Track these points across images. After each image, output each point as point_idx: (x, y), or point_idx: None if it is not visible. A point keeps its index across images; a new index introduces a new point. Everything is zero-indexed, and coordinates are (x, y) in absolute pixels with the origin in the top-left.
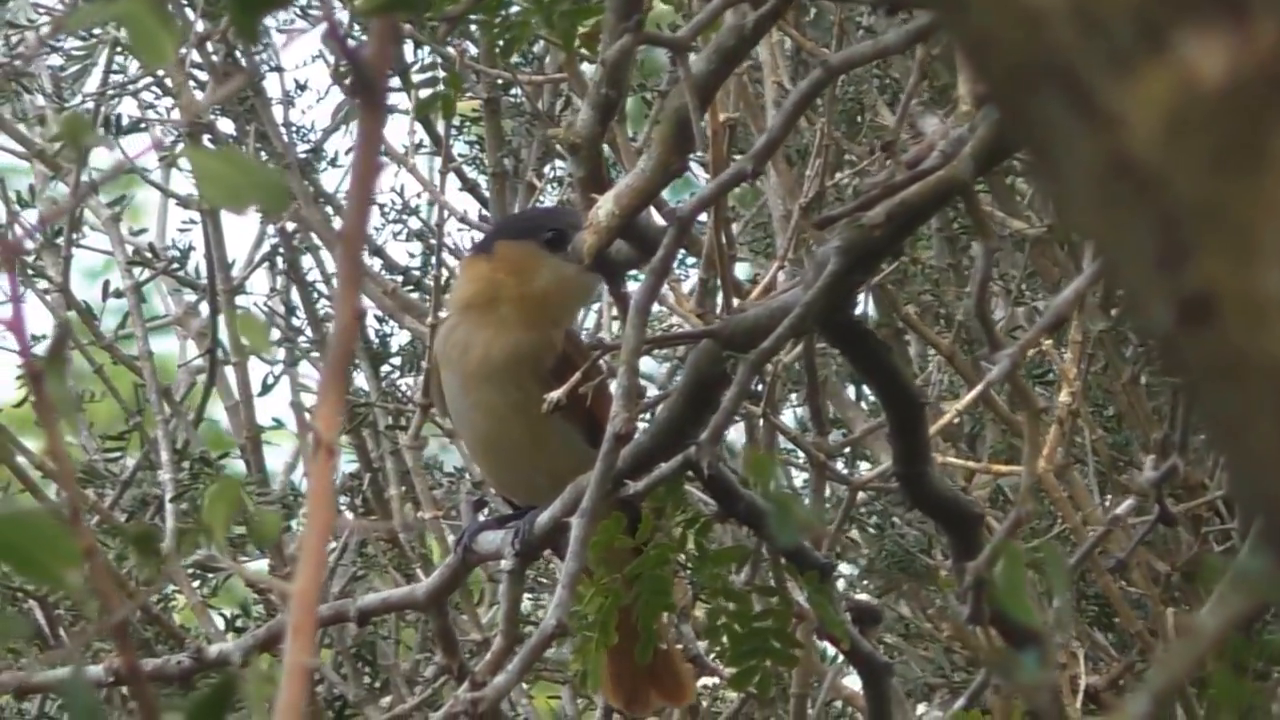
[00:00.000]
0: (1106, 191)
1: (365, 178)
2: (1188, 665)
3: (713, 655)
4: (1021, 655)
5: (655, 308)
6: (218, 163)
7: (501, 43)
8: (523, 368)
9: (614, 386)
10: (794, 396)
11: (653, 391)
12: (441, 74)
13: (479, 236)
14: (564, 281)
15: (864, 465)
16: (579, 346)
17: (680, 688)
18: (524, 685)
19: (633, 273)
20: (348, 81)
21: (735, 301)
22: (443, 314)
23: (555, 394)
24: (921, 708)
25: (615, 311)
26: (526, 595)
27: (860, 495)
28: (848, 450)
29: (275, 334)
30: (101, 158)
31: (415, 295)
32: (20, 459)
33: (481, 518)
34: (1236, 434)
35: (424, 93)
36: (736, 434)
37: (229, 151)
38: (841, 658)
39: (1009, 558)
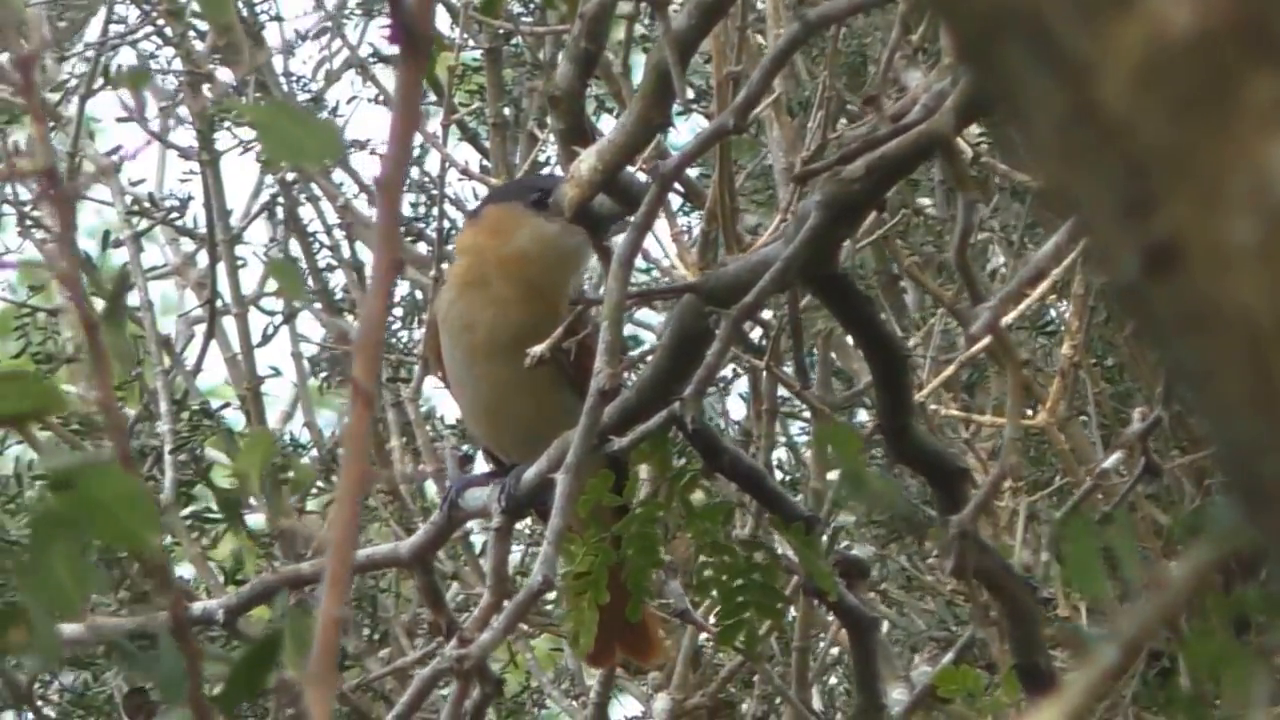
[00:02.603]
0: (1074, 140)
1: (406, 127)
2: (1158, 616)
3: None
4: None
5: (665, 263)
6: (277, 117)
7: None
8: (529, 344)
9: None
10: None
11: (650, 340)
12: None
13: (480, 187)
14: (544, 240)
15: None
16: (584, 315)
17: (648, 644)
18: (529, 640)
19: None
20: (388, 29)
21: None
22: (444, 266)
23: (538, 349)
24: (917, 659)
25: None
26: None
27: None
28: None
29: (273, 284)
30: (101, 108)
31: (417, 246)
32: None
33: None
34: (1204, 383)
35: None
36: (740, 389)
37: (286, 105)
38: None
39: (1079, 529)
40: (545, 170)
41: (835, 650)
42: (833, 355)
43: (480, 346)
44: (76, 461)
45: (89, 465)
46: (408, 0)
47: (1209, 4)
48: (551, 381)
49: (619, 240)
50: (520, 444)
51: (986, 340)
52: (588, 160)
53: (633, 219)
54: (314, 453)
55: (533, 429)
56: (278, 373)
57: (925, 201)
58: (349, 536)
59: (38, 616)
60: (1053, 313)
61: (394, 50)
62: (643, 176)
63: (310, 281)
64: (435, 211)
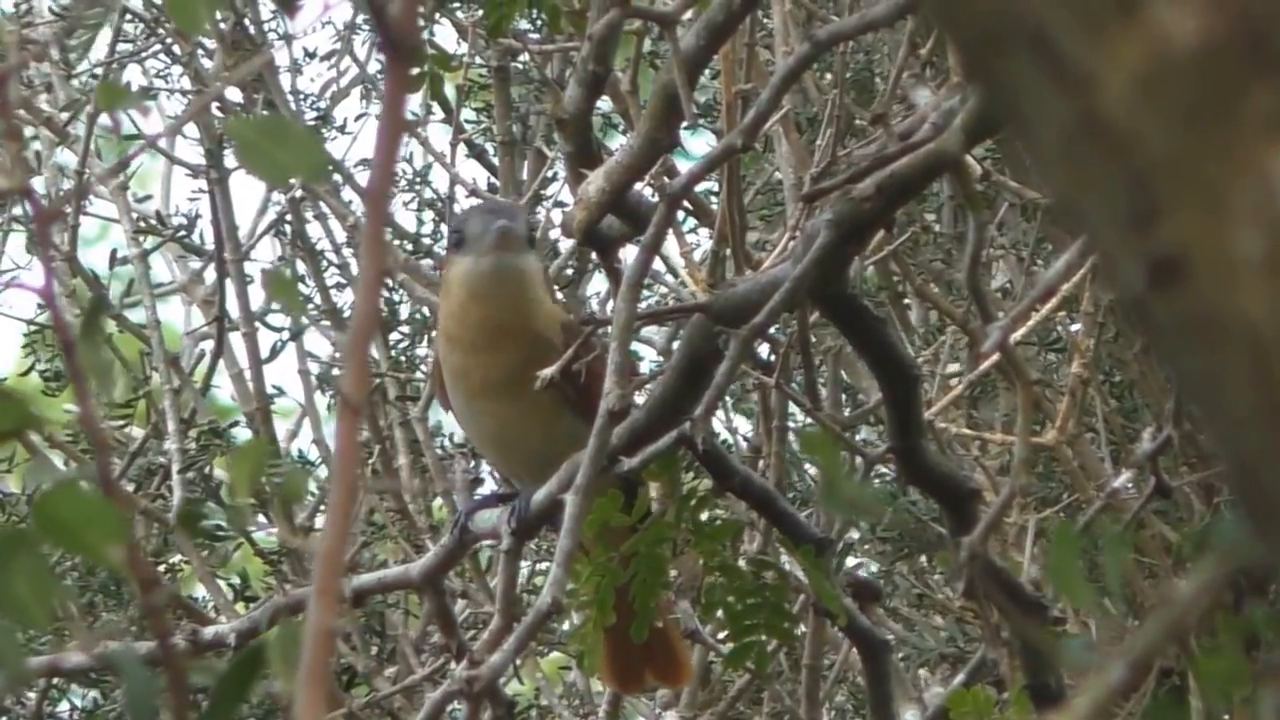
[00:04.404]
0: (1078, 153)
1: (391, 136)
2: (1165, 633)
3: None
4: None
5: (670, 280)
6: (257, 134)
7: (491, 21)
8: (522, 377)
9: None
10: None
11: (651, 356)
12: (429, 51)
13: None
14: (470, 278)
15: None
16: (578, 330)
17: (677, 668)
18: (537, 656)
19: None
20: (376, 40)
21: (747, 272)
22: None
23: (548, 371)
24: (924, 674)
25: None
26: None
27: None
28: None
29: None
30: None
31: (426, 263)
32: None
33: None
34: (1210, 394)
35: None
36: (751, 407)
37: (268, 121)
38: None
39: (1060, 539)
40: (554, 185)
41: (845, 666)
42: (841, 373)
43: (477, 390)
44: (53, 480)
45: (58, 483)
46: (393, 12)
47: (1211, 17)
48: (555, 409)
49: (628, 261)
50: (529, 470)
51: (995, 358)
52: (595, 182)
53: (641, 239)
54: (323, 470)
55: (540, 455)
56: (281, 392)
57: (929, 216)
58: (338, 546)
59: (2, 636)
60: (1060, 330)
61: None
62: (650, 194)
63: (318, 299)
64: (443, 228)
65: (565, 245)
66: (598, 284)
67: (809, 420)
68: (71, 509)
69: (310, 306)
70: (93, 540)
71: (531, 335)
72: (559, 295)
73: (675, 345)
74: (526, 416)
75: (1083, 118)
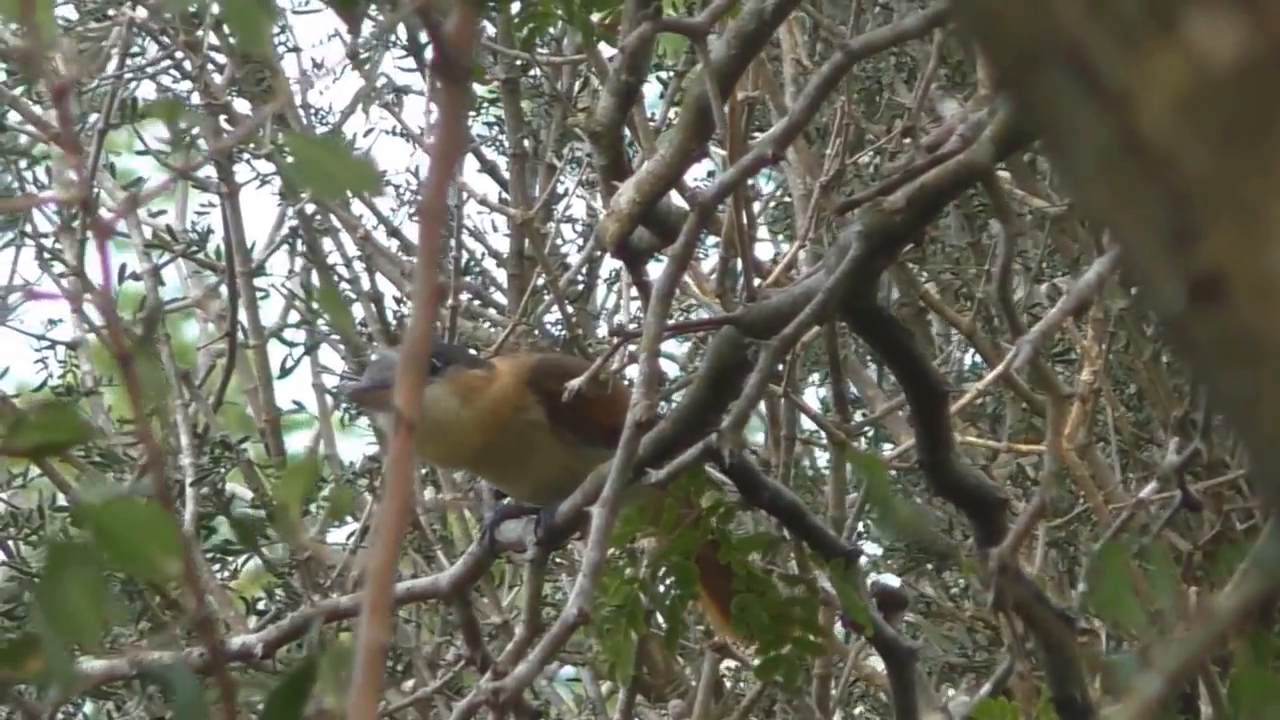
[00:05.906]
0: (1116, 171)
1: (447, 154)
2: (1203, 648)
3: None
4: (1123, 659)
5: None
6: (314, 150)
7: (524, 32)
8: (510, 438)
9: (634, 374)
10: (814, 377)
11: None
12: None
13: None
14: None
15: (886, 446)
16: (549, 370)
17: None
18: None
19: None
20: (430, 58)
21: (756, 282)
22: (463, 298)
23: (575, 382)
24: (950, 693)
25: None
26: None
27: None
28: (869, 430)
29: (294, 316)
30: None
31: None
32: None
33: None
34: (1248, 414)
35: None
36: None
37: (326, 138)
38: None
39: (1111, 556)
40: (565, 199)
41: (861, 677)
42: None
43: (498, 478)
44: (105, 494)
45: (111, 497)
46: (447, 30)
47: (1249, 34)
48: (560, 446)
49: (658, 273)
50: (552, 499)
51: (999, 369)
52: (626, 193)
53: (670, 250)
54: (332, 484)
55: (558, 485)
56: (301, 407)
57: (947, 232)
58: (389, 563)
59: (53, 646)
60: (1068, 339)
61: (409, 81)
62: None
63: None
64: (453, 243)
65: (573, 259)
66: (600, 294)
67: (816, 430)
68: (129, 522)
69: (320, 321)
70: (151, 553)
71: (497, 425)
72: (496, 355)
73: (697, 361)
74: (540, 466)
75: (1120, 136)
